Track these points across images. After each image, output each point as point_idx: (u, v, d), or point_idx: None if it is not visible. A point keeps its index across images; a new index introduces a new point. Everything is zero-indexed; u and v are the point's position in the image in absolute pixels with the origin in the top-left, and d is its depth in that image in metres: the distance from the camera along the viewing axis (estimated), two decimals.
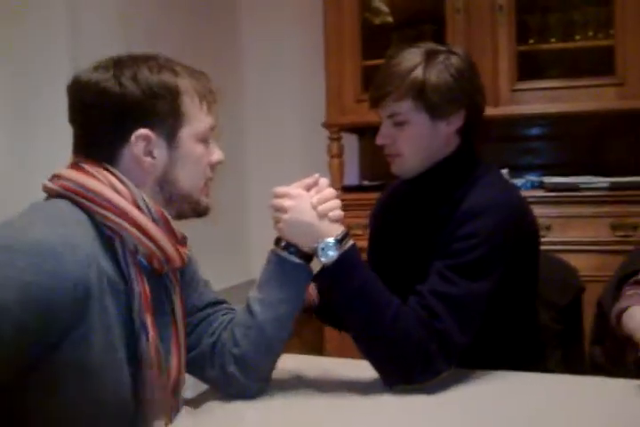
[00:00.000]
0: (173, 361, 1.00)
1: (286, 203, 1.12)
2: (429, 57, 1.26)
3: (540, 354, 1.41)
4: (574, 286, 1.70)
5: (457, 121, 1.28)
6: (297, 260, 1.12)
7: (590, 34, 2.57)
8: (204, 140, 1.01)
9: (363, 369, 1.15)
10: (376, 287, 1.13)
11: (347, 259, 1.11)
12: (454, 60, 1.26)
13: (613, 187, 2.41)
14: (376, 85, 1.30)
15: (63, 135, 1.96)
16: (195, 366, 1.11)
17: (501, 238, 1.18)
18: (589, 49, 2.59)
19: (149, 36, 2.36)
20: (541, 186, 2.51)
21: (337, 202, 1.14)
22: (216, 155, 1.04)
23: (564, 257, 1.78)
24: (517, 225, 1.23)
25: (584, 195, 2.43)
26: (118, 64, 0.96)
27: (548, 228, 2.39)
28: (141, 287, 0.93)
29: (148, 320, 0.93)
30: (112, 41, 2.17)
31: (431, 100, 1.24)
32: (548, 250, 2.09)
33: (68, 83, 0.98)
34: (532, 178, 2.60)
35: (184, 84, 0.98)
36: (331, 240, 1.10)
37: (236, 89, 3.12)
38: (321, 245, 1.10)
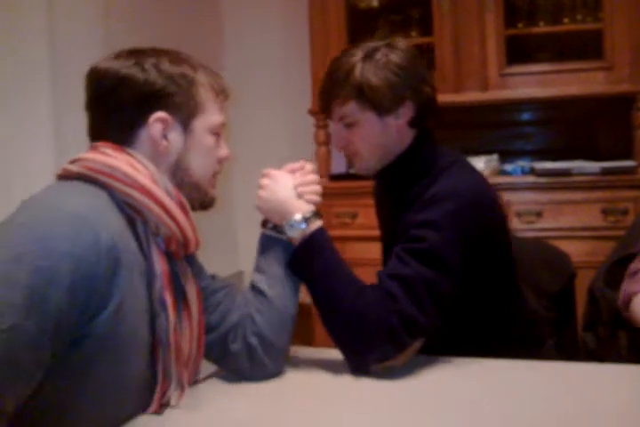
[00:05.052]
0: (185, 345, 1.02)
1: (263, 181, 1.18)
2: (367, 56, 1.26)
3: (539, 342, 1.39)
4: (566, 273, 1.69)
5: (406, 113, 1.28)
6: (285, 237, 1.17)
7: (579, 17, 2.55)
8: (215, 133, 1.06)
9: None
10: (339, 269, 1.16)
11: (311, 240, 1.15)
12: (393, 55, 1.26)
13: (604, 171, 2.39)
14: (320, 92, 1.33)
15: (42, 133, 1.94)
16: (219, 343, 1.13)
17: (457, 227, 1.18)
18: (578, 33, 2.57)
19: (130, 31, 2.31)
20: (532, 171, 2.49)
21: (317, 188, 1.19)
22: (224, 150, 1.10)
23: (556, 243, 1.76)
24: (477, 213, 1.22)
25: (575, 180, 2.41)
26: (140, 54, 1.01)
27: (540, 214, 2.36)
28: (162, 267, 0.96)
29: (169, 301, 0.96)
30: (92, 29, 2.13)
31: (374, 99, 1.26)
32: (540, 236, 2.08)
33: (87, 73, 1.01)
34: (523, 163, 2.57)
35: (201, 78, 1.04)
36: (297, 217, 1.14)
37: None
38: (288, 222, 1.15)
